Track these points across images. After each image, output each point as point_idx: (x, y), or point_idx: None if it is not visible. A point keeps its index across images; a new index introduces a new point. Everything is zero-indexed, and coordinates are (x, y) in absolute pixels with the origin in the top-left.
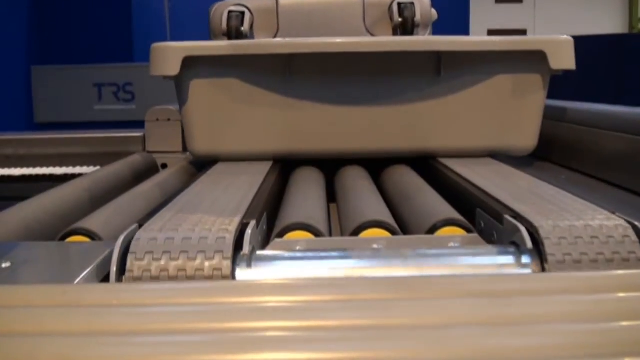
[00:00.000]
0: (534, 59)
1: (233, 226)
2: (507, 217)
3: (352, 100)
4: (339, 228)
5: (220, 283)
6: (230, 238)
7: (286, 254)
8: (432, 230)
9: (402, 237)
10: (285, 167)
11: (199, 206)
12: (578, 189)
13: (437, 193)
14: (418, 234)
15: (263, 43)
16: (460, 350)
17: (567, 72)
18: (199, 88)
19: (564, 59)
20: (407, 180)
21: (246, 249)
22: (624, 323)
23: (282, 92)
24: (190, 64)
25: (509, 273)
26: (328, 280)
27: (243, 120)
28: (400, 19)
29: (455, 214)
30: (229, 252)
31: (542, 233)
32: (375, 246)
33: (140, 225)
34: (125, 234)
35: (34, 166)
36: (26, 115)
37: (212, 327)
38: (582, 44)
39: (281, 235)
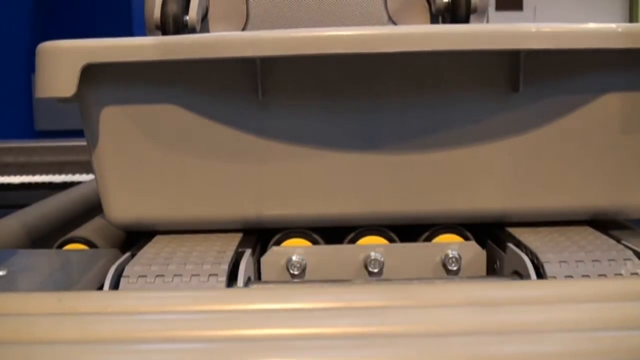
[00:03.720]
0: None
1: (227, 257)
2: (510, 245)
3: (369, 138)
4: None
5: (215, 291)
6: (223, 274)
7: (283, 286)
8: (429, 237)
9: (399, 245)
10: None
11: (192, 232)
12: None
13: None
14: (415, 241)
15: (211, 40)
16: (457, 358)
17: None
18: (111, 119)
19: None
20: None
21: (241, 281)
22: (622, 331)
23: (251, 126)
24: (96, 77)
25: (505, 280)
26: (323, 287)
27: (187, 172)
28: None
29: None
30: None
31: (542, 257)
32: (372, 254)
33: (133, 255)
34: (116, 265)
35: (34, 174)
36: (26, 123)
37: (207, 334)
38: None
39: (278, 243)
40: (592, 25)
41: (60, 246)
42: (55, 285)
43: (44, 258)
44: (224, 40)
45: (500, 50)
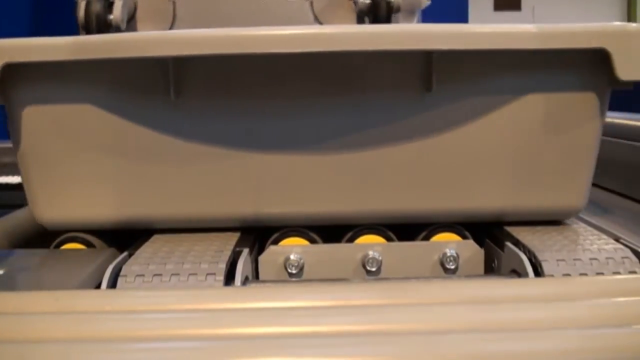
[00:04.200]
0: (586, 65)
1: (224, 256)
2: (509, 244)
3: (284, 138)
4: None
5: (212, 290)
6: (221, 273)
7: (281, 285)
8: (427, 236)
9: (397, 244)
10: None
11: (189, 231)
12: None
13: None
14: (413, 240)
15: (121, 40)
16: (454, 356)
17: None
18: (32, 119)
19: (638, 63)
20: None
21: (238, 280)
22: (620, 328)
23: (165, 127)
24: (16, 77)
25: (502, 278)
26: (321, 286)
27: (104, 172)
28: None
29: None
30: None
31: (540, 256)
32: (370, 253)
33: (130, 255)
34: (113, 264)
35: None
36: None
37: (205, 333)
38: None
39: (276, 241)
40: (504, 27)
41: (58, 246)
42: (52, 284)
43: (41, 257)
44: (133, 39)
45: (408, 50)
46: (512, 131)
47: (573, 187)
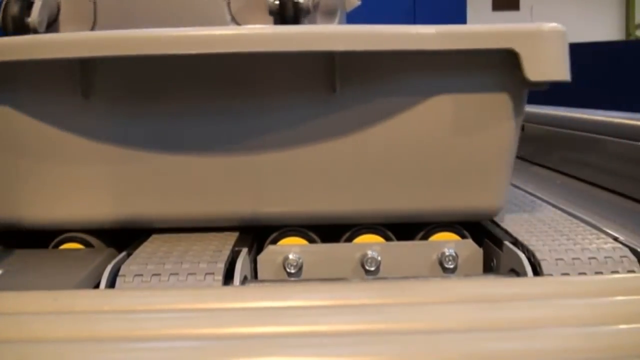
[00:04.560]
0: (497, 66)
1: (223, 256)
2: (507, 243)
3: (197, 140)
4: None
5: (212, 289)
6: (220, 272)
7: (280, 284)
8: (426, 235)
9: (395, 243)
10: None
11: (188, 230)
12: (574, 196)
13: None
14: (412, 239)
15: (28, 42)
16: (453, 355)
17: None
18: None
19: (548, 64)
20: None
21: (237, 280)
22: (619, 327)
23: (77, 128)
24: None
25: (500, 277)
26: (320, 285)
27: (21, 173)
28: (276, 1)
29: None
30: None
31: (539, 255)
32: (369, 252)
33: (129, 254)
34: (112, 264)
35: None
36: None
37: (204, 332)
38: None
39: (275, 241)
40: (406, 28)
41: (57, 245)
42: (51, 284)
43: (40, 257)
44: (39, 41)
45: (307, 52)
46: (423, 132)
47: (489, 188)
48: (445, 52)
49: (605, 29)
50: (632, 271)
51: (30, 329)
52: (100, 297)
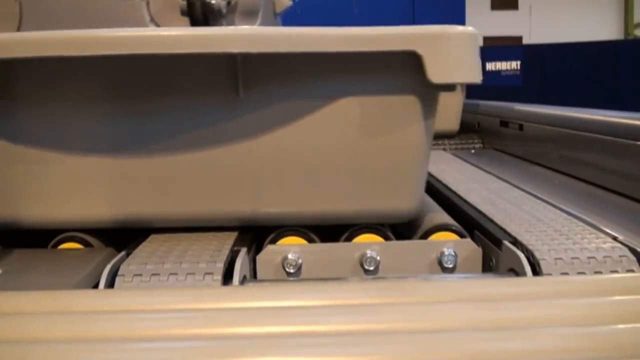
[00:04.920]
0: (402, 68)
1: (222, 256)
2: (506, 243)
3: (112, 142)
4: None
5: (212, 289)
6: (219, 272)
7: (279, 284)
8: (425, 235)
9: (394, 243)
10: None
11: (187, 230)
12: (573, 195)
13: (429, 196)
14: (411, 239)
15: None
16: (452, 354)
17: (560, 77)
18: None
19: (453, 66)
20: None
21: (236, 280)
22: (618, 327)
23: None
24: None
25: (499, 277)
26: (319, 285)
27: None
28: (184, 1)
29: (448, 219)
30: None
31: (538, 255)
32: (368, 252)
33: (128, 254)
34: (111, 263)
35: None
36: None
37: (203, 332)
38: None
39: (274, 241)
40: (310, 30)
41: (56, 245)
42: (50, 284)
43: (39, 257)
44: None
45: (206, 53)
46: (332, 135)
47: (402, 190)
48: (348, 54)
49: (604, 28)
50: (631, 270)
51: (29, 329)
52: (100, 297)
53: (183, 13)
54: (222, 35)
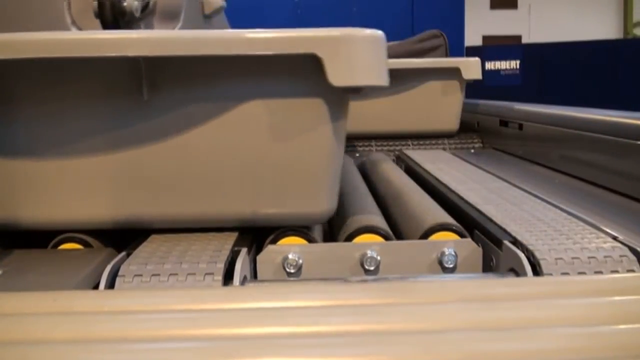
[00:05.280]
0: (307, 71)
1: (223, 256)
2: (507, 243)
3: (27, 143)
4: (333, 231)
5: (212, 290)
6: (219, 272)
7: (280, 284)
8: (425, 235)
9: (395, 243)
10: None
11: (188, 230)
12: (573, 195)
13: (429, 196)
14: (411, 239)
15: None
16: (452, 355)
17: (559, 76)
18: None
19: (354, 69)
20: (400, 181)
21: (237, 280)
22: (618, 327)
23: None
24: None
25: (500, 277)
26: (319, 286)
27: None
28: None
29: (448, 219)
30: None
31: (538, 255)
32: (368, 252)
33: (128, 254)
34: (111, 264)
35: None
36: None
37: (204, 333)
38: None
39: (274, 241)
40: (210, 33)
41: (55, 245)
42: (50, 285)
43: (39, 258)
44: None
45: (105, 57)
46: (241, 138)
47: (313, 193)
48: (249, 57)
49: (603, 27)
50: (632, 270)
51: (30, 330)
52: (100, 298)
53: (96, 15)
54: (116, 39)
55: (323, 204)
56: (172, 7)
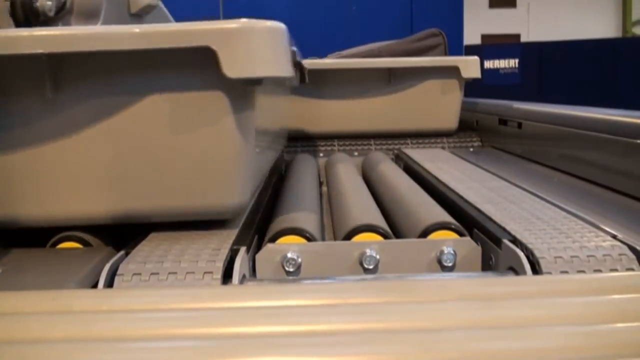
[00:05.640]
0: (205, 64)
1: (222, 255)
2: (506, 241)
3: None
4: (332, 230)
5: (211, 288)
6: (218, 271)
7: (279, 283)
8: (424, 233)
9: (394, 241)
10: None
11: (187, 229)
12: (572, 194)
13: (428, 195)
14: (410, 237)
15: None
16: (452, 354)
17: (558, 75)
18: None
19: (249, 61)
20: (399, 180)
21: (236, 279)
22: (618, 326)
23: None
24: None
25: (499, 275)
26: (318, 284)
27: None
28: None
29: (447, 217)
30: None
31: (538, 253)
32: (367, 251)
33: (127, 253)
34: (110, 263)
35: None
36: None
37: (202, 332)
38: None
39: (273, 239)
40: (102, 28)
41: (54, 244)
42: (49, 284)
43: (37, 256)
44: None
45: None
46: (145, 133)
47: (222, 187)
48: (147, 52)
49: (602, 26)
50: (631, 269)
51: (29, 329)
52: (99, 297)
53: (9, 15)
54: (14, 37)
55: (233, 198)
56: (91, 6)
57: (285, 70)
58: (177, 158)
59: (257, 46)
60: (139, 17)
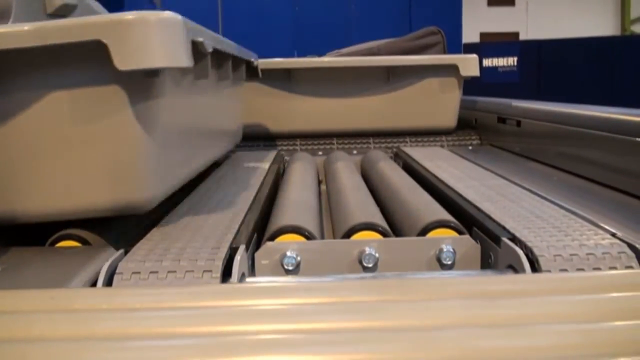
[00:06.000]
0: (100, 58)
1: (221, 253)
2: (505, 239)
3: None
4: (332, 228)
5: (211, 287)
6: (217, 270)
7: (277, 281)
8: (423, 231)
9: (393, 240)
10: None
11: (186, 228)
12: (571, 192)
13: (427, 193)
14: (409, 236)
15: None
16: (451, 351)
17: (556, 73)
18: None
19: (139, 52)
20: (398, 179)
21: (235, 277)
22: (617, 323)
23: None
24: None
25: (498, 273)
26: (317, 283)
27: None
28: None
29: (446, 216)
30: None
31: (537, 251)
32: (366, 249)
33: (126, 252)
34: (109, 262)
35: None
36: None
37: (202, 330)
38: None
39: (272, 238)
40: None
41: (53, 243)
42: (48, 282)
43: (37, 255)
44: None
45: None
46: (47, 129)
47: (130, 183)
48: (38, 48)
49: (601, 24)
50: (630, 267)
51: (28, 328)
52: (98, 296)
53: None
54: None
55: (142, 192)
56: (1, 7)
57: (181, 60)
58: (80, 155)
59: (149, 38)
60: (59, 17)
